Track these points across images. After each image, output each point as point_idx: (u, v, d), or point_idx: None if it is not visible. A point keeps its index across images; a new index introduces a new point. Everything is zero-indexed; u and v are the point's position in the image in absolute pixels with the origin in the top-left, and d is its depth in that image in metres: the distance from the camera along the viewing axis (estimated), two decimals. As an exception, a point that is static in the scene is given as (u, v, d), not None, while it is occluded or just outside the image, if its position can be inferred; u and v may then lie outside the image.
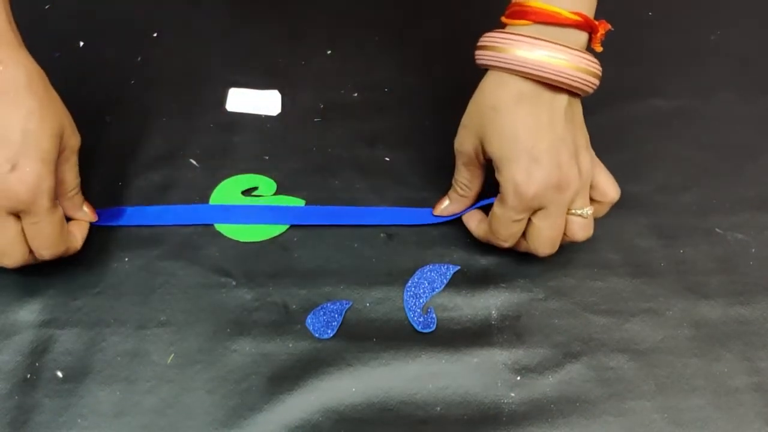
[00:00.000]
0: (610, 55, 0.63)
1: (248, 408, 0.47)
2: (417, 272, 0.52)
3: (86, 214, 0.51)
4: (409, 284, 0.51)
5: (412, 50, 0.63)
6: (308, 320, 0.50)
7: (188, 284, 0.51)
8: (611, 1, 0.67)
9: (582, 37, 0.46)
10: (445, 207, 0.53)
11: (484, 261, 0.53)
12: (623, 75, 0.62)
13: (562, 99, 0.46)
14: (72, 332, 0.49)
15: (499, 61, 0.45)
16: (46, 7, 0.64)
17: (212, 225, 0.53)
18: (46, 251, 0.46)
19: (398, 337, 0.50)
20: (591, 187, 0.49)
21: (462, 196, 0.52)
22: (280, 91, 0.60)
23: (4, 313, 0.49)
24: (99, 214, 0.52)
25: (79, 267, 0.51)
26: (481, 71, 0.55)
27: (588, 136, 0.49)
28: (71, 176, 0.49)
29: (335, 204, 0.55)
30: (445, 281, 0.52)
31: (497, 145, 0.46)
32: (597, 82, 0.47)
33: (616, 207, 0.55)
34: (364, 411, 0.47)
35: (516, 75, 0.45)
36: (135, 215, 0.53)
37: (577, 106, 0.49)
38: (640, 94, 0.61)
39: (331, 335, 0.49)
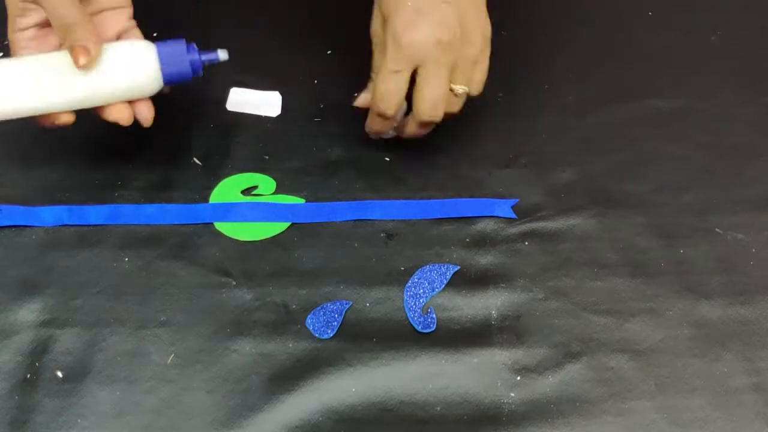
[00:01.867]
0: (611, 55, 0.64)
1: (248, 408, 0.47)
2: (417, 272, 0.52)
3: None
4: (409, 284, 0.51)
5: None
6: (308, 320, 0.50)
7: (188, 284, 0.51)
8: (611, 1, 0.67)
9: None
10: (363, 97, 0.52)
11: (483, 261, 0.53)
12: (623, 75, 0.62)
13: None
14: (72, 332, 0.49)
15: None
16: (46, 7, 0.64)
17: (212, 224, 0.53)
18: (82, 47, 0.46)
19: (398, 337, 0.50)
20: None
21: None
22: (280, 91, 0.60)
23: (4, 313, 0.49)
24: (92, 211, 0.53)
25: (79, 267, 0.51)
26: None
27: (489, 25, 0.50)
28: (49, 7, 0.45)
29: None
30: (445, 281, 0.52)
31: (386, 3, 0.48)
32: None
33: (616, 207, 0.55)
34: (364, 411, 0.47)
35: None
36: (130, 214, 0.54)
37: None
38: (640, 94, 0.61)
39: (331, 335, 0.49)
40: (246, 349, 0.49)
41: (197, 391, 0.47)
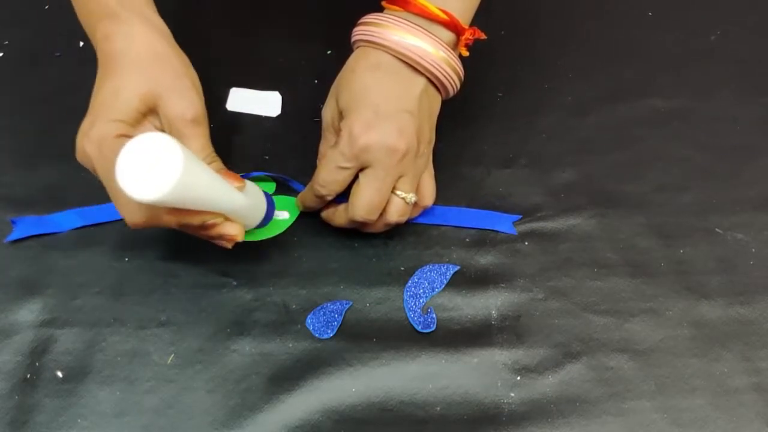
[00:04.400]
0: (611, 55, 0.64)
1: (248, 408, 0.47)
2: (417, 272, 0.52)
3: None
4: (409, 284, 0.51)
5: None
6: (308, 320, 0.50)
7: (188, 284, 0.51)
8: (611, 1, 0.67)
9: (448, 35, 0.48)
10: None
11: (483, 261, 0.53)
12: (623, 75, 0.62)
13: (420, 82, 0.47)
14: (72, 332, 0.49)
15: (375, 36, 0.47)
16: (46, 7, 0.64)
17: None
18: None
19: (398, 337, 0.50)
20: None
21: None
22: (280, 92, 0.60)
23: (4, 313, 0.49)
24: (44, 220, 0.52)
25: (79, 267, 0.51)
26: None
27: (434, 138, 0.50)
28: (192, 148, 0.46)
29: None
30: (445, 281, 0.52)
31: (346, 99, 0.47)
32: (456, 79, 0.49)
33: (616, 207, 0.55)
34: (364, 411, 0.47)
35: (381, 50, 0.47)
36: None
37: (435, 101, 0.49)
38: (640, 94, 0.61)
39: (331, 335, 0.49)
40: (246, 349, 0.49)
41: (197, 391, 0.47)
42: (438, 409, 0.47)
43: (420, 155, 0.48)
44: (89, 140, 0.43)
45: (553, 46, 0.64)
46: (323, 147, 0.51)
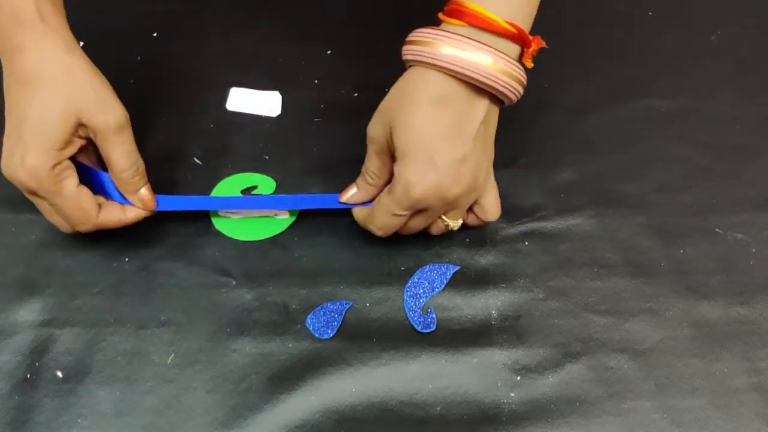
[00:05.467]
0: (611, 55, 0.64)
1: (248, 408, 0.47)
2: (417, 272, 0.52)
3: (140, 200, 0.49)
4: (409, 284, 0.51)
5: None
6: (308, 320, 0.50)
7: (188, 284, 0.51)
8: (612, 1, 0.67)
9: (514, 48, 0.45)
10: (352, 195, 0.51)
11: (484, 261, 0.53)
12: (623, 75, 0.62)
13: (482, 106, 0.45)
14: (72, 332, 0.49)
15: (425, 56, 0.44)
16: (46, 7, 0.64)
17: (212, 224, 0.53)
18: (71, 226, 0.48)
19: (398, 337, 0.50)
20: (476, 203, 0.50)
21: (370, 185, 0.50)
22: (280, 91, 0.60)
23: (4, 313, 0.49)
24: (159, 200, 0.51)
25: (79, 267, 0.51)
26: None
27: (493, 153, 0.49)
28: (117, 157, 0.48)
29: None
30: (445, 281, 0.52)
31: (403, 137, 0.45)
32: (521, 89, 0.46)
33: (616, 207, 0.55)
34: (364, 411, 0.47)
35: (440, 71, 0.44)
36: (189, 202, 0.53)
37: (494, 116, 0.47)
38: (640, 94, 0.61)
39: (331, 335, 0.49)
40: (246, 349, 0.49)
41: (197, 391, 0.47)
42: (438, 409, 0.47)
43: (473, 191, 0.48)
44: (25, 170, 0.45)
45: (553, 46, 0.64)
46: (370, 165, 0.49)
